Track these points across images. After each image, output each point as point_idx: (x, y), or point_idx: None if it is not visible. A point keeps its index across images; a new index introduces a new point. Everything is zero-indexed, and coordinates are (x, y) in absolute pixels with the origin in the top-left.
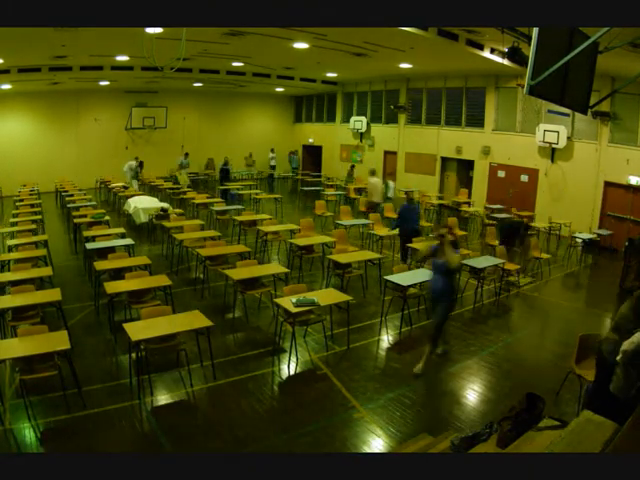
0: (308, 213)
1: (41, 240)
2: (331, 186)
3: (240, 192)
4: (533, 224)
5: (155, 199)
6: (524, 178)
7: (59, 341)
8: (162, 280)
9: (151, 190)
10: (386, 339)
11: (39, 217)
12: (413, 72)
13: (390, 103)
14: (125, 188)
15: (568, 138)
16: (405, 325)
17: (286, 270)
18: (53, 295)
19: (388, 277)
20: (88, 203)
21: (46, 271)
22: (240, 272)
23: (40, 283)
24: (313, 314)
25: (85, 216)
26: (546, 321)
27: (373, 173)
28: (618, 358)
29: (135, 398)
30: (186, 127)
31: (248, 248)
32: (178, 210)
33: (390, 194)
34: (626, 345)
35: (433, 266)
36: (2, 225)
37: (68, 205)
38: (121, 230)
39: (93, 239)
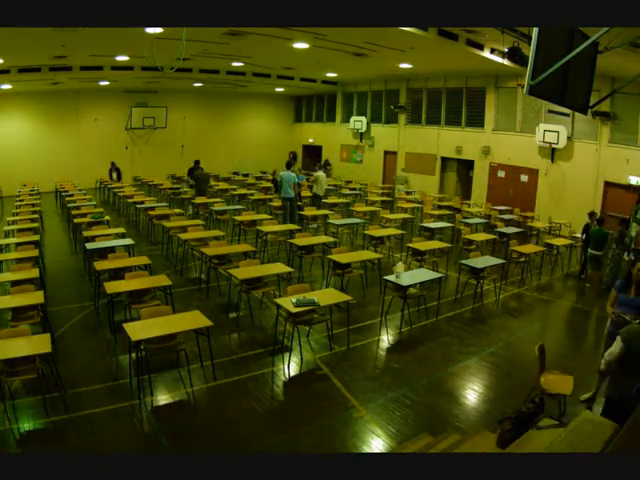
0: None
1: (34, 240)
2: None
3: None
4: (533, 224)
5: None
6: (524, 178)
7: (41, 344)
8: (162, 280)
9: (150, 190)
10: (386, 339)
11: (36, 216)
12: (413, 72)
13: (390, 103)
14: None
15: (568, 138)
16: (405, 325)
17: (290, 269)
18: (38, 298)
19: (388, 277)
20: (88, 203)
21: (34, 272)
22: (245, 271)
23: (40, 284)
24: (316, 314)
25: (85, 216)
26: (546, 321)
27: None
28: (602, 368)
29: (135, 398)
30: (186, 127)
31: (252, 247)
32: (178, 210)
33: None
34: (607, 356)
35: None
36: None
37: (68, 205)
38: (121, 230)
39: (93, 239)
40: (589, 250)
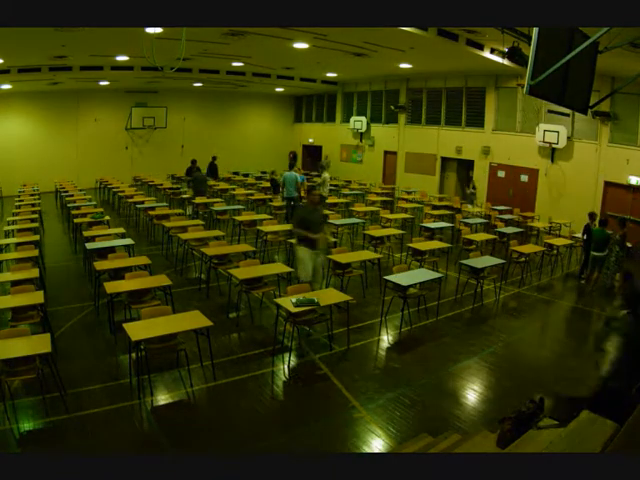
0: None
1: (34, 240)
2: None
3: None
4: (533, 224)
5: None
6: (524, 178)
7: (41, 344)
8: (162, 280)
9: (148, 189)
10: (386, 339)
11: (36, 216)
12: (413, 72)
13: (390, 103)
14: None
15: (568, 138)
16: (405, 325)
17: (290, 269)
18: (38, 298)
19: (388, 277)
20: (88, 203)
21: (34, 272)
22: (245, 271)
23: (40, 284)
24: (316, 314)
25: (85, 216)
26: (546, 321)
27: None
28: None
29: (135, 398)
30: (186, 127)
31: (252, 247)
32: (178, 210)
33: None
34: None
35: None
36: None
37: (68, 205)
38: (121, 230)
39: (93, 239)
40: (592, 252)
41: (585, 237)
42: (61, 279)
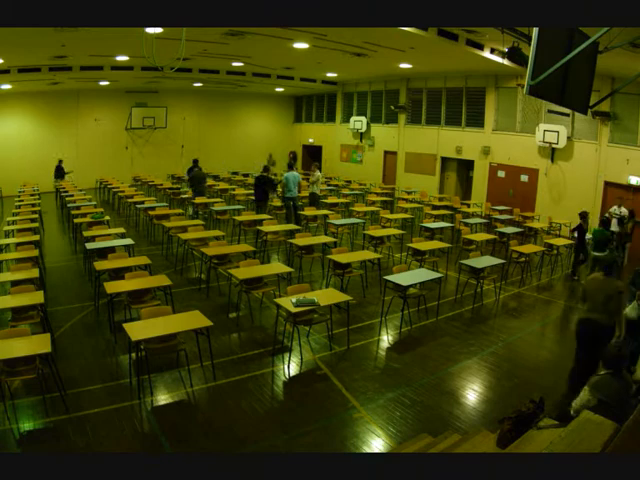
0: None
1: (34, 240)
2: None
3: None
4: (532, 224)
5: None
6: (524, 178)
7: (41, 344)
8: (162, 280)
9: (148, 189)
10: (386, 339)
11: (36, 216)
12: (413, 72)
13: (390, 103)
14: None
15: (568, 138)
16: (405, 325)
17: (290, 269)
18: (38, 298)
19: (388, 277)
20: (88, 203)
21: (34, 272)
22: (245, 272)
23: (40, 284)
24: (316, 314)
25: (85, 216)
26: (546, 321)
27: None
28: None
29: (135, 398)
30: (186, 127)
31: (252, 247)
32: (178, 210)
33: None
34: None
35: None
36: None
37: (68, 205)
38: (121, 230)
39: (93, 239)
40: (592, 252)
41: (576, 235)
42: (61, 279)
